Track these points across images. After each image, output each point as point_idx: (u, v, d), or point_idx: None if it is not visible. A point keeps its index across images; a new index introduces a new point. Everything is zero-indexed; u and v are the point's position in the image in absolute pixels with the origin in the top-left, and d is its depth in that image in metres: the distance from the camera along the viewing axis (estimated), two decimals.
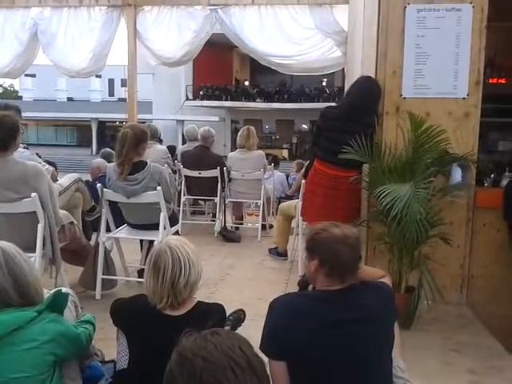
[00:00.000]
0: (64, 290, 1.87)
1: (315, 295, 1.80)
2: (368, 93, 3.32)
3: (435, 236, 3.07)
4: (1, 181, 2.91)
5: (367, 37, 3.92)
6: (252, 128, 5.77)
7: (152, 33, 6.64)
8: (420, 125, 2.91)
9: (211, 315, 1.81)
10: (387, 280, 2.05)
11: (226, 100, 27.45)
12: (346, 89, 4.65)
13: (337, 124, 3.38)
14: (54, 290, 1.83)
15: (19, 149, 3.33)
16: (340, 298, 1.71)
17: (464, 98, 3.34)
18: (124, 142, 3.35)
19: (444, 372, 2.59)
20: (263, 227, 5.67)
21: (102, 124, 35.45)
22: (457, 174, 3.25)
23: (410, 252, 3.02)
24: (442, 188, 3.16)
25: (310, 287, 1.99)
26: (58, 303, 1.73)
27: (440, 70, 3.34)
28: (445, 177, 3.24)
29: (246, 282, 4.02)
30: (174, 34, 6.62)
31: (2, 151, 2.92)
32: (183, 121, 26.36)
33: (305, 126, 30.82)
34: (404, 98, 3.37)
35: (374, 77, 3.44)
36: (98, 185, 3.58)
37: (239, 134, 5.74)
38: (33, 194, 2.90)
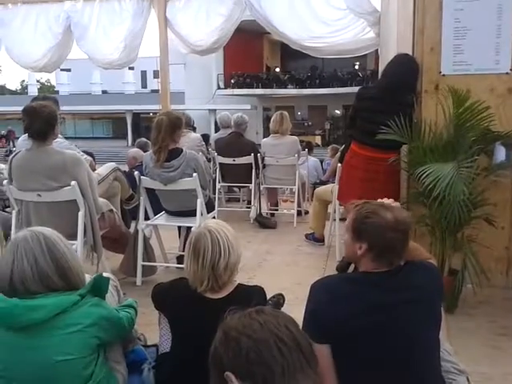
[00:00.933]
0: (105, 274, 1.89)
1: (358, 277, 1.76)
2: (405, 70, 3.22)
3: (479, 217, 2.97)
4: (41, 170, 2.97)
5: (402, 14, 3.79)
6: (285, 113, 5.69)
7: (182, 20, 6.63)
8: (463, 101, 2.80)
9: (252, 297, 1.79)
10: (432, 262, 1.98)
11: (257, 87, 27.35)
12: (381, 70, 4.55)
13: (374, 104, 3.29)
14: (94, 275, 1.86)
15: (58, 139, 3.39)
16: (385, 279, 1.66)
17: (507, 73, 3.19)
18: (160, 128, 3.37)
19: (492, 356, 2.52)
20: (299, 213, 5.62)
21: (136, 116, 35.92)
22: (501, 153, 3.12)
23: (453, 234, 2.93)
24: (485, 167, 3.05)
25: (351, 268, 1.95)
26: (99, 287, 1.75)
27: (480, 44, 3.20)
28: (488, 156, 3.12)
29: (283, 268, 4.01)
30: (204, 20, 6.58)
31: (41, 141, 2.97)
32: (215, 110, 26.44)
33: (338, 112, 30.40)
34: (443, 75, 3.25)
35: (410, 54, 3.33)
36: (136, 172, 3.62)
37: (272, 119, 5.69)
38: (72, 183, 2.94)
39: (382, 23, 6.07)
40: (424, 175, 2.67)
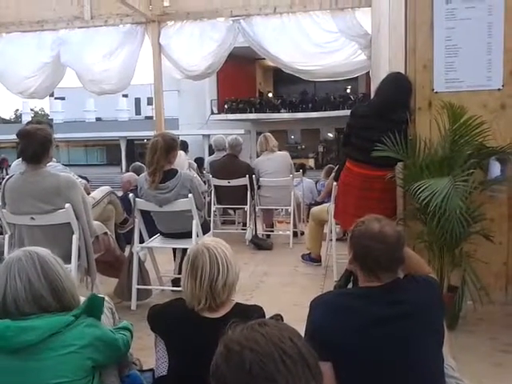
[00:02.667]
0: (100, 295, 1.85)
1: (356, 292, 1.74)
2: (398, 88, 3.25)
3: (476, 232, 2.96)
4: (34, 193, 2.94)
5: (394, 35, 3.85)
6: (267, 133, 5.90)
7: (175, 45, 6.72)
8: (459, 116, 2.81)
9: (250, 316, 1.75)
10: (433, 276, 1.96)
11: (250, 112, 27.58)
12: (373, 91, 4.60)
13: (368, 122, 3.31)
14: (88, 295, 1.81)
15: (52, 163, 3.37)
16: (382, 294, 1.63)
17: (499, 89, 3.23)
18: (155, 150, 3.37)
19: (495, 373, 2.48)
20: (295, 234, 5.60)
21: (130, 142, 36.05)
22: (495, 168, 3.13)
23: (451, 250, 2.91)
24: (480, 182, 3.05)
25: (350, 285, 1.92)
26: (94, 307, 1.70)
27: (472, 61, 3.24)
28: (483, 171, 3.13)
29: (280, 289, 3.96)
30: (198, 46, 6.68)
31: (35, 163, 2.95)
32: (209, 135, 26.59)
33: (330, 135, 30.66)
34: (436, 92, 3.29)
35: (403, 73, 3.36)
36: (131, 195, 3.59)
37: (258, 143, 5.87)
38: (66, 205, 2.91)
39: (373, 46, 6.18)
40: (419, 190, 2.66)
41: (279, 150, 5.90)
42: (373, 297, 1.63)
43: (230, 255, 1.82)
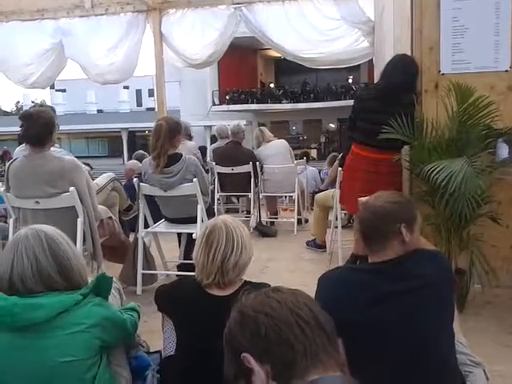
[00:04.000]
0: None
1: (364, 267, 1.72)
2: (404, 70, 3.20)
3: (483, 215, 2.93)
4: (39, 176, 2.91)
5: (399, 18, 3.80)
6: (262, 127, 6.11)
7: (177, 34, 6.67)
8: (468, 97, 2.77)
9: None
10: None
11: (252, 103, 27.45)
12: (377, 76, 4.55)
13: (374, 104, 3.27)
14: (97, 274, 1.79)
15: (55, 148, 3.34)
16: (391, 268, 1.61)
17: (507, 71, 3.19)
18: (159, 134, 3.34)
19: (505, 354, 2.47)
20: (299, 221, 5.58)
21: (131, 134, 35.98)
22: (503, 150, 3.10)
23: (459, 232, 2.89)
24: (488, 165, 3.02)
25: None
26: (102, 286, 1.69)
27: (479, 42, 3.21)
28: (490, 153, 3.09)
29: (286, 273, 3.96)
30: (199, 34, 6.64)
31: (39, 146, 2.92)
32: (210, 126, 26.51)
33: (332, 125, 30.53)
34: (443, 74, 3.25)
35: (409, 54, 3.32)
36: (135, 179, 3.57)
37: (254, 137, 6.00)
38: (71, 188, 2.88)
39: (376, 32, 6.12)
40: (435, 172, 2.63)
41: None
42: (380, 271, 1.62)
43: (246, 237, 1.80)
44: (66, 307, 1.54)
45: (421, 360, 1.55)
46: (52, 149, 3.13)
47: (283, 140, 6.02)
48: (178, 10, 6.70)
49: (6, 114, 51.31)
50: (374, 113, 3.26)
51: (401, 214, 1.67)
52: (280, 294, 0.94)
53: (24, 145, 3.20)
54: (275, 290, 0.96)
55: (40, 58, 6.78)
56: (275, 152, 5.61)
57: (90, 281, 1.77)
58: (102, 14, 6.86)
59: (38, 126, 2.89)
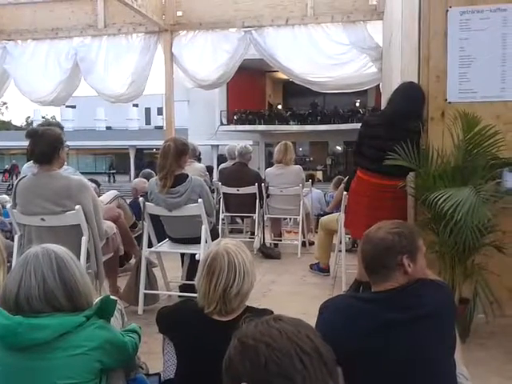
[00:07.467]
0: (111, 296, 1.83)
1: (367, 296, 1.71)
2: (411, 97, 3.23)
3: (488, 244, 2.92)
4: (46, 194, 2.93)
5: (407, 46, 3.85)
6: (289, 143, 5.74)
7: (187, 55, 6.78)
8: (473, 125, 2.79)
9: None
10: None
11: (259, 124, 27.62)
12: (384, 103, 4.57)
13: (380, 131, 3.29)
14: (101, 296, 1.79)
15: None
16: (393, 298, 1.61)
17: None
18: (167, 154, 3.37)
19: None
20: (303, 244, 5.56)
21: (139, 151, 36.18)
22: (509, 179, 3.10)
23: (463, 261, 2.87)
24: (493, 194, 3.01)
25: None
26: (106, 309, 1.68)
27: (486, 72, 3.23)
28: (495, 182, 3.09)
29: (288, 297, 3.93)
30: (209, 56, 6.74)
31: (46, 164, 2.95)
32: (218, 146, 26.66)
33: (339, 148, 30.63)
34: (449, 102, 3.26)
35: (416, 82, 3.35)
36: (141, 198, 3.59)
37: (276, 149, 5.72)
38: (77, 207, 2.90)
39: (384, 58, 6.18)
40: (441, 200, 2.62)
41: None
42: (382, 300, 1.61)
43: (248, 263, 1.79)
44: (68, 329, 1.54)
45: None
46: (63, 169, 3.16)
47: (298, 167, 5.76)
48: (189, 32, 6.83)
49: (16, 128, 51.82)
50: (379, 139, 3.28)
51: (402, 245, 1.66)
52: (281, 324, 0.93)
53: (32, 162, 3.23)
54: (276, 318, 0.96)
55: (57, 79, 6.93)
56: (284, 186, 5.51)
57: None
58: (114, 34, 7.00)
59: (43, 145, 2.91)
